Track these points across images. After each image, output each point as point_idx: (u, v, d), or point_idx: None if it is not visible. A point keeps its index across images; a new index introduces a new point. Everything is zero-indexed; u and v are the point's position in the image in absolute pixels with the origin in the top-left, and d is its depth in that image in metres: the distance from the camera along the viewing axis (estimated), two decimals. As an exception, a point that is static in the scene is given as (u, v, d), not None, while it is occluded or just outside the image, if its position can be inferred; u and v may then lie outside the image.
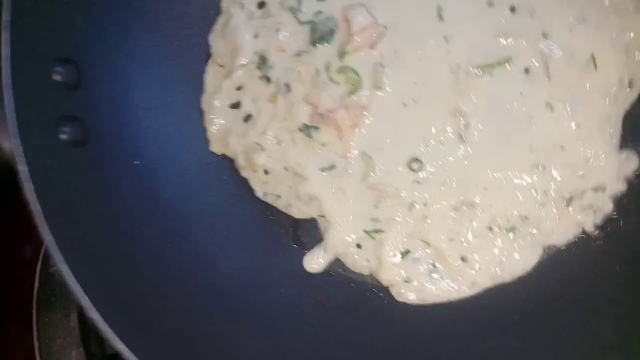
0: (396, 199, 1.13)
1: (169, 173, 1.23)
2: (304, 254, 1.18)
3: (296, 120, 1.20)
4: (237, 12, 1.24)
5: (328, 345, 1.11)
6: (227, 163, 1.28)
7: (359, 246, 1.18)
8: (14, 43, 0.94)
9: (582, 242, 1.03)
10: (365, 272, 1.16)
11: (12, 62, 0.93)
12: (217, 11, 1.27)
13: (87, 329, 0.89)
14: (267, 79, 1.23)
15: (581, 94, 1.02)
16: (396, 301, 1.13)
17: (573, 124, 1.02)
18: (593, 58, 1.01)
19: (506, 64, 1.05)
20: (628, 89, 1.02)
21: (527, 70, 1.05)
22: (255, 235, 1.24)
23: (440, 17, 1.09)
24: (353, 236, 1.17)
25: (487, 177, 1.06)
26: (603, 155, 1.01)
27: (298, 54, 1.20)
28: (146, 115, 1.22)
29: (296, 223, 1.24)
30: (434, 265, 1.10)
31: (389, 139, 1.13)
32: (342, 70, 1.16)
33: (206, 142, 1.29)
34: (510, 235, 1.05)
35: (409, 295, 1.11)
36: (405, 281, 1.12)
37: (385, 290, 1.14)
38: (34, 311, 1.23)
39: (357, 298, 1.14)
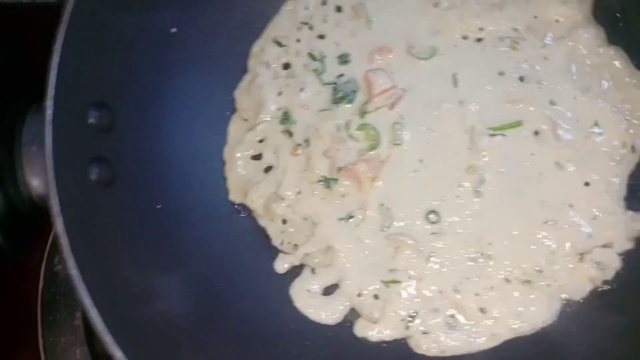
0: (414, 250, 1.16)
1: (189, 218, 1.25)
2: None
3: (315, 173, 1.25)
4: (262, 71, 1.33)
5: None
6: (245, 212, 1.31)
7: (376, 297, 1.19)
8: (58, 85, 1.00)
9: (595, 296, 1.06)
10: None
11: (55, 102, 0.98)
12: (243, 70, 1.37)
13: (91, 327, 0.89)
14: (290, 133, 1.30)
15: (588, 155, 1.10)
16: (415, 353, 1.12)
17: (581, 183, 1.10)
18: (597, 124, 1.11)
19: (517, 127, 1.14)
20: (631, 153, 1.11)
21: (537, 133, 1.13)
22: (272, 283, 1.24)
23: (455, 84, 1.19)
24: (370, 287, 1.19)
25: (502, 230, 1.11)
26: (610, 214, 1.08)
27: (321, 111, 1.28)
28: (170, 162, 1.26)
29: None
30: (452, 317, 1.11)
31: (406, 192, 1.19)
32: (363, 127, 1.23)
33: (226, 191, 1.33)
34: (527, 287, 1.09)
35: (427, 347, 1.11)
36: (424, 333, 1.13)
37: (404, 342, 1.14)
38: (39, 309, 1.22)
39: (374, 349, 1.13)
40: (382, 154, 1.21)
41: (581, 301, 1.05)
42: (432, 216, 1.17)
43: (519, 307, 1.07)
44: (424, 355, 1.11)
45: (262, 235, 1.30)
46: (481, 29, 1.19)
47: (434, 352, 1.11)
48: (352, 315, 1.19)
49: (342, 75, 1.28)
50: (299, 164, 1.27)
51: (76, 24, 1.03)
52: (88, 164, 1.08)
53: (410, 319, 1.14)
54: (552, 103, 1.13)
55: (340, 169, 1.23)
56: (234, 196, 1.33)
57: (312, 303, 1.22)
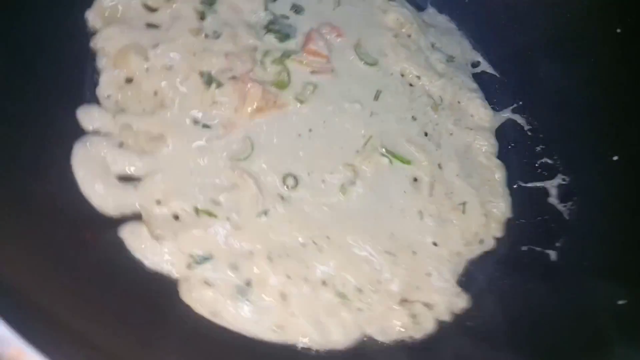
0: (253, 197, 0.95)
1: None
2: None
3: (203, 63, 1.03)
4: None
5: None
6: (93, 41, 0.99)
7: (176, 217, 0.90)
8: None
9: (396, 348, 0.94)
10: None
11: None
12: None
13: None
14: (202, 16, 1.09)
15: (447, 223, 1.09)
16: (179, 299, 0.83)
17: (431, 240, 1.06)
18: (464, 205, 1.14)
19: (406, 163, 1.11)
20: (479, 244, 1.13)
21: (415, 179, 1.11)
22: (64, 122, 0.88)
23: (377, 97, 1.16)
24: (176, 203, 0.91)
25: (346, 234, 0.98)
26: (442, 280, 1.03)
27: (247, 25, 1.13)
28: None
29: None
30: (248, 284, 0.87)
31: (280, 146, 1.02)
32: (279, 63, 1.10)
33: (88, 4, 1.01)
34: (338, 300, 0.92)
35: (198, 299, 0.82)
36: (205, 283, 0.85)
37: (171, 281, 0.84)
38: None
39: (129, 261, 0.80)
40: (282, 97, 1.07)
41: (380, 345, 0.92)
42: (290, 180, 1.00)
43: (321, 315, 0.89)
44: (184, 305, 0.82)
45: (91, 74, 0.97)
46: (418, 78, 1.23)
47: (200, 310, 0.83)
48: (133, 217, 0.88)
49: (287, 17, 1.18)
50: (192, 45, 1.05)
51: None
52: None
53: (199, 260, 0.87)
54: (439, 167, 1.15)
55: (234, 77, 1.04)
56: (94, 16, 1.01)
57: (93, 173, 0.88)
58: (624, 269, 0.98)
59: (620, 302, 0.91)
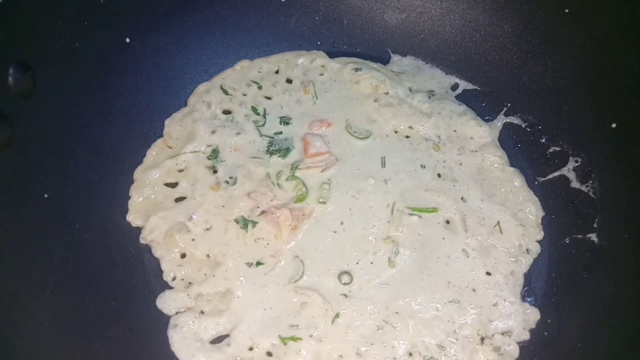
0: (321, 308, 1.09)
1: (74, 220, 1.07)
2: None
3: (234, 211, 1.19)
4: (202, 109, 1.32)
5: None
6: (142, 237, 1.16)
7: (269, 354, 1.05)
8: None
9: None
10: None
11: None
12: (181, 103, 1.35)
13: None
14: (214, 170, 1.25)
15: (491, 249, 1.19)
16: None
17: (483, 272, 1.17)
18: (499, 225, 1.24)
19: (433, 212, 1.22)
20: (527, 254, 1.22)
21: (448, 222, 1.22)
22: (150, 319, 1.05)
23: (383, 164, 1.28)
24: (265, 342, 1.05)
25: (410, 302, 1.10)
26: (508, 304, 1.12)
27: (252, 157, 1.27)
28: (75, 154, 1.12)
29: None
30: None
31: (323, 250, 1.16)
32: (293, 178, 1.24)
33: (126, 209, 1.18)
34: (429, 365, 1.04)
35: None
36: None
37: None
38: None
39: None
40: (307, 207, 1.20)
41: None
42: (344, 277, 1.13)
43: (419, 384, 1.02)
44: None
45: (154, 265, 1.14)
46: (411, 128, 1.34)
47: None
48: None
49: (280, 132, 1.32)
50: (217, 200, 1.20)
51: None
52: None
53: (301, 384, 1.01)
54: (463, 200, 1.25)
55: (263, 212, 1.18)
56: (133, 217, 1.19)
57: (192, 349, 1.04)
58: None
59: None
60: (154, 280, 1.12)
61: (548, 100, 1.34)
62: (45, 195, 1.03)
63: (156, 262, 1.14)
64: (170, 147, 1.28)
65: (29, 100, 1.02)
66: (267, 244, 1.16)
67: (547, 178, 1.30)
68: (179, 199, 1.22)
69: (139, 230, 1.17)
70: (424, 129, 1.35)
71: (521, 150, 1.34)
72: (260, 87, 1.38)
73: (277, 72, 1.42)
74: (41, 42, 1.04)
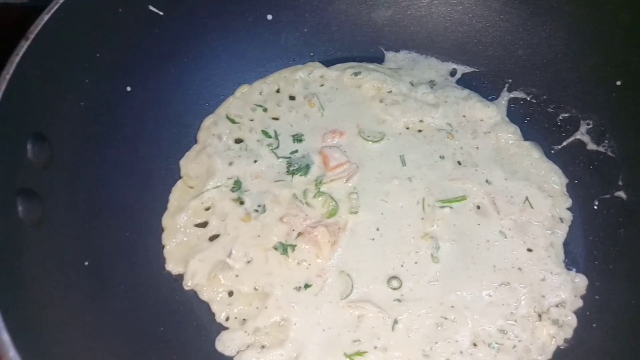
0: (379, 317, 1.09)
1: (118, 283, 1.06)
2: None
3: (271, 239, 1.18)
4: (214, 143, 1.31)
5: None
6: (185, 284, 1.15)
7: (338, 374, 1.06)
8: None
9: (560, 357, 1.07)
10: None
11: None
12: (191, 141, 1.33)
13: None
14: (241, 201, 1.24)
15: (526, 225, 1.21)
16: None
17: (524, 249, 1.19)
18: (528, 200, 1.26)
19: (463, 200, 1.24)
20: (561, 223, 1.25)
21: (479, 207, 1.24)
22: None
23: (404, 163, 1.29)
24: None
25: (462, 293, 1.12)
26: (556, 276, 1.15)
27: (275, 181, 1.27)
28: (104, 218, 1.10)
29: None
30: (425, 386, 1.02)
31: (366, 259, 1.16)
32: (321, 195, 1.24)
33: (163, 259, 1.17)
34: (494, 351, 1.06)
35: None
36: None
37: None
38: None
39: None
40: (340, 220, 1.21)
41: (547, 363, 1.05)
42: (394, 282, 1.14)
43: (490, 371, 1.03)
44: None
45: (204, 309, 1.13)
46: (421, 121, 1.35)
47: None
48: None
49: (296, 151, 1.31)
50: (251, 231, 1.20)
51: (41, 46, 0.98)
52: (16, 196, 0.91)
53: (380, 396, 1.02)
54: (488, 182, 1.27)
55: (300, 234, 1.18)
56: (173, 265, 1.17)
57: (263, 386, 1.04)
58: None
59: None
60: (208, 324, 1.11)
61: (548, 69, 1.36)
62: (86, 263, 1.01)
63: (206, 306, 1.13)
64: (191, 187, 1.27)
65: (48, 170, 1.00)
66: (310, 264, 1.16)
67: (562, 145, 1.32)
68: (213, 237, 1.21)
69: (181, 277, 1.16)
70: (434, 120, 1.36)
71: (531, 123, 1.37)
72: (265, 110, 1.37)
73: (277, 91, 1.42)
74: (49, 110, 1.02)
